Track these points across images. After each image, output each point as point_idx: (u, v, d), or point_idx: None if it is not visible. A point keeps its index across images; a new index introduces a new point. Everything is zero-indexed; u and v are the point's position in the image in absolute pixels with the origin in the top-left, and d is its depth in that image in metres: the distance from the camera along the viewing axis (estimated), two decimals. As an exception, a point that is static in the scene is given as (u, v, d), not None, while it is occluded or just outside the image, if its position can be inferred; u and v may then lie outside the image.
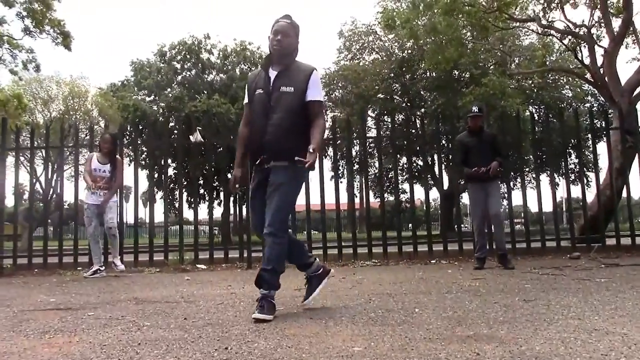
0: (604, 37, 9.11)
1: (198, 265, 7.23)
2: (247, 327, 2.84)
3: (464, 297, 3.74)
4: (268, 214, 3.18)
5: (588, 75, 8.60)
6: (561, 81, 24.19)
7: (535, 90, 23.44)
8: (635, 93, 8.16)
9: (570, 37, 9.00)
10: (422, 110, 25.60)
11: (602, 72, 8.27)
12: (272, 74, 3.32)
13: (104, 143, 6.52)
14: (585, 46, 8.49)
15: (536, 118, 24.70)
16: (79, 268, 7.20)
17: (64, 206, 8.76)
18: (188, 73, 26.12)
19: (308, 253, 3.64)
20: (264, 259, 3.28)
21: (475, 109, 6.25)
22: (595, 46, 8.66)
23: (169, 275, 6.48)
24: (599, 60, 8.31)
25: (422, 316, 3.02)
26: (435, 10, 10.27)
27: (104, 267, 6.41)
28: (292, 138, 3.19)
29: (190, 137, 7.75)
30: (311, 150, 3.09)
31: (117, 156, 6.76)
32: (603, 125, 7.66)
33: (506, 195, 8.54)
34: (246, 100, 3.47)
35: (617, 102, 8.06)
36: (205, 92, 24.87)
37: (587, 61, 8.60)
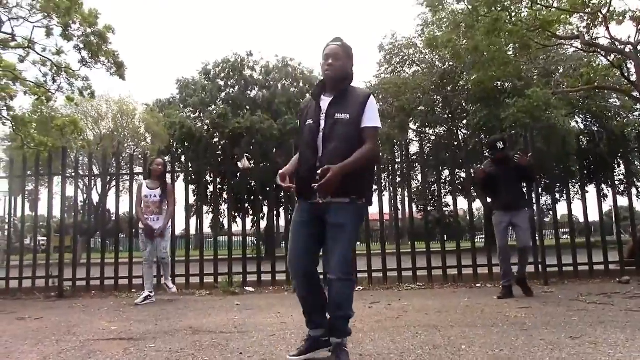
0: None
1: (246, 288, 7.45)
2: (300, 365, 2.99)
3: (510, 331, 3.79)
4: (333, 258, 3.00)
5: (635, 93, 8.47)
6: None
7: (581, 100, 22.93)
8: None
9: (615, 53, 8.88)
10: (465, 122, 25.47)
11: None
12: (325, 101, 3.15)
13: (156, 166, 6.76)
14: (631, 63, 8.36)
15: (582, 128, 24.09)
16: (133, 290, 7.53)
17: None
18: (231, 90, 26.73)
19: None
20: (329, 306, 3.07)
21: (499, 145, 6.07)
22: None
23: (219, 299, 6.71)
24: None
25: (469, 354, 3.11)
26: (477, 30, 10.28)
27: (153, 293, 6.58)
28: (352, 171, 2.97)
29: (239, 164, 7.98)
30: (331, 171, 2.83)
31: (168, 181, 6.97)
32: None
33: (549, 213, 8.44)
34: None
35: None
36: (248, 108, 25.38)
37: (633, 78, 8.46)
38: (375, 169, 3.22)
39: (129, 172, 8.06)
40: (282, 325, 4.43)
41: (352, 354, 3.23)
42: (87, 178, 19.82)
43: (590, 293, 5.89)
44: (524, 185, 6.41)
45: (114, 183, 11.55)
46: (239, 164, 7.84)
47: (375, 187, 3.23)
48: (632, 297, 5.43)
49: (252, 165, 8.00)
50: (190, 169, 10.07)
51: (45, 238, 9.15)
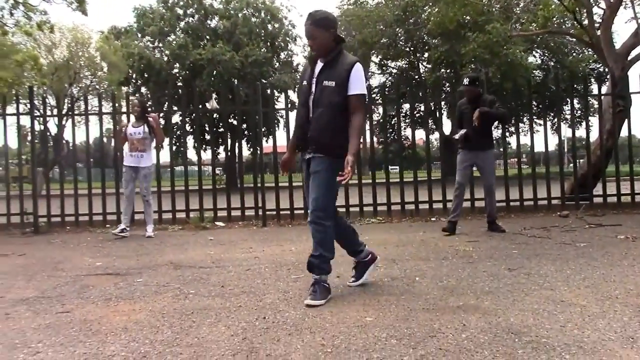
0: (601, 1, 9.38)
1: (217, 223, 7.85)
2: (276, 297, 3.43)
3: (458, 264, 4.33)
4: (310, 201, 3.37)
5: (586, 37, 8.91)
6: (566, 25, 24.16)
7: (539, 36, 23.38)
8: (630, 58, 8.51)
9: (569, -1, 9.24)
10: (426, 55, 25.72)
11: (599, 34, 8.58)
12: (319, 66, 3.38)
13: (133, 106, 6.98)
14: (585, 10, 8.76)
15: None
16: (107, 225, 7.84)
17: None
18: (191, 19, 26.07)
19: (359, 240, 3.72)
20: (313, 243, 3.40)
21: (465, 80, 6.21)
22: (594, 9, 8.98)
23: (192, 234, 7.11)
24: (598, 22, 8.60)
25: (422, 285, 3.61)
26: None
27: (129, 228, 6.92)
28: (333, 134, 3.29)
29: (207, 104, 8.18)
30: (348, 161, 3.19)
31: (150, 116, 7.03)
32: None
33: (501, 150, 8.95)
34: None
35: (610, 68, 8.43)
36: (209, 39, 24.91)
37: (585, 23, 8.88)
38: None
39: (98, 112, 8.13)
40: (256, 260, 4.86)
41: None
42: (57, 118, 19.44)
43: (533, 227, 6.54)
44: (495, 125, 6.33)
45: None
46: (207, 104, 8.03)
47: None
48: (568, 231, 6.09)
49: (218, 105, 8.20)
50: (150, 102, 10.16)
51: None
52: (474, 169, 6.52)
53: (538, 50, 26.13)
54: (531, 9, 19.26)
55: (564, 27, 19.10)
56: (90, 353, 2.45)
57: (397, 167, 9.26)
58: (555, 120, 18.53)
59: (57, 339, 2.69)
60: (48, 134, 13.73)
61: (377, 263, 3.84)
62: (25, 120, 8.38)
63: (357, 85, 3.28)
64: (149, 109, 7.46)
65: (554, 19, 12.81)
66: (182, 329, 2.78)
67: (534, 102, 14.79)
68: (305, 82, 3.44)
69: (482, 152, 6.15)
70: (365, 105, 3.41)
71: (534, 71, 23.86)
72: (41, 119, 8.49)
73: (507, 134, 21.80)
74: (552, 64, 26.40)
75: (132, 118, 7.11)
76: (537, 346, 2.33)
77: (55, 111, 25.89)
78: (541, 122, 11.12)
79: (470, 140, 6.11)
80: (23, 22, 10.17)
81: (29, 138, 9.77)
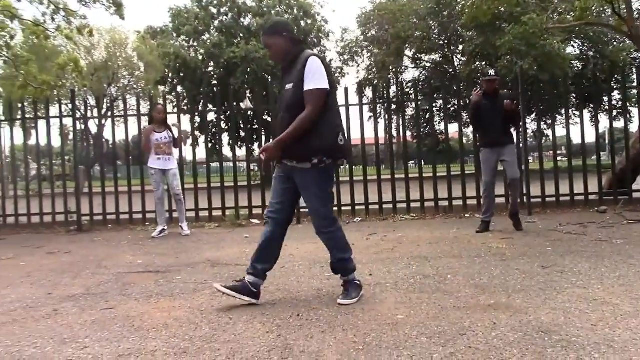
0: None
1: (252, 221, 8.00)
2: (310, 294, 3.53)
3: (491, 261, 4.34)
4: (311, 216, 3.39)
5: (625, 28, 8.68)
6: (606, 14, 23.51)
7: (578, 26, 22.81)
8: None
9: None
10: (460, 48, 25.41)
11: (638, 25, 8.36)
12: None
13: (158, 113, 7.21)
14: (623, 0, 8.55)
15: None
16: (147, 223, 8.09)
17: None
18: (224, 18, 26.34)
19: (273, 264, 3.48)
20: (330, 252, 3.40)
21: (491, 72, 6.36)
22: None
23: (228, 232, 7.28)
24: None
25: (454, 283, 3.65)
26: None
27: (167, 227, 7.17)
28: (303, 137, 3.15)
29: (241, 104, 8.35)
30: (268, 146, 3.22)
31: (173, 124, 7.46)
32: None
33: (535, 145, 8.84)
34: None
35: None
36: (242, 37, 25.15)
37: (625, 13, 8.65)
38: (340, 125, 3.28)
39: (136, 113, 8.41)
40: (290, 258, 4.96)
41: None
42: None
43: (569, 223, 6.46)
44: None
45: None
46: (242, 104, 8.21)
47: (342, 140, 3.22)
48: (605, 227, 6.00)
49: (253, 105, 8.36)
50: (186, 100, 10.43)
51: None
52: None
53: (577, 41, 25.49)
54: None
55: (603, 15, 18.61)
56: (134, 348, 2.59)
57: (421, 162, 9.19)
58: (593, 112, 18.15)
59: (103, 334, 2.84)
60: (89, 133, 14.18)
61: (257, 302, 3.33)
62: (67, 121, 8.70)
63: (310, 79, 3.13)
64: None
65: (593, 7, 12.48)
66: (219, 326, 2.90)
67: (572, 95, 14.52)
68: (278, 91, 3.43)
69: (504, 148, 6.05)
70: (320, 99, 3.14)
71: (573, 62, 23.31)
72: (83, 120, 8.80)
73: (545, 126, 21.56)
74: (591, 54, 25.74)
75: (153, 125, 7.23)
76: (566, 345, 2.35)
77: (95, 111, 26.75)
78: (578, 113, 10.87)
79: (490, 136, 6.10)
80: (63, 27, 10.50)
81: (70, 137, 10.13)
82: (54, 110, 12.65)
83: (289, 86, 3.23)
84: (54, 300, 3.66)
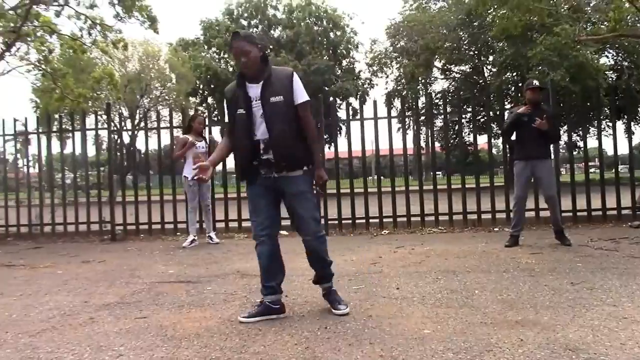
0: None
1: (281, 232, 8.06)
2: (338, 307, 3.57)
3: (519, 277, 4.32)
4: (304, 222, 3.39)
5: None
6: (640, 24, 23.10)
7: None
8: None
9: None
10: (491, 59, 25.23)
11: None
12: (253, 88, 3.31)
13: (199, 124, 7.35)
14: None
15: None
16: (178, 233, 8.25)
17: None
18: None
19: (282, 278, 3.62)
20: (312, 261, 3.60)
21: (535, 82, 6.09)
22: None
23: (257, 242, 7.36)
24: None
25: (481, 298, 3.65)
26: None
27: (197, 237, 7.32)
28: (301, 147, 3.36)
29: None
30: (322, 177, 3.48)
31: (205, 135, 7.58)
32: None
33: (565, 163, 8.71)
34: (227, 117, 3.50)
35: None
36: (272, 48, 25.49)
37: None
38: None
39: (169, 125, 8.62)
40: (318, 270, 5.00)
41: (381, 297, 3.81)
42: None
43: (600, 238, 6.35)
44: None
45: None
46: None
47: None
48: (638, 243, 5.89)
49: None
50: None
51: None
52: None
53: (610, 51, 25.07)
54: (602, 8, 18.57)
55: (638, 25, 18.27)
56: (167, 357, 2.68)
57: (450, 174, 9.09)
58: (627, 123, 17.79)
59: (137, 342, 2.94)
60: (123, 144, 14.53)
61: (285, 315, 3.44)
62: (102, 132, 8.97)
63: (301, 93, 3.35)
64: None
65: (628, 17, 12.29)
66: (249, 337, 2.97)
67: (605, 107, 14.27)
68: (242, 110, 3.31)
69: (540, 162, 5.95)
70: (311, 109, 3.48)
71: (606, 73, 22.91)
72: (117, 132, 9.07)
73: (578, 137, 21.18)
74: (626, 64, 25.28)
75: (189, 135, 7.34)
76: (594, 364, 2.35)
77: (128, 122, 27.37)
78: (611, 124, 10.74)
79: (526, 148, 5.97)
80: (99, 40, 10.84)
81: (104, 147, 10.40)
82: (89, 122, 12.99)
83: (277, 99, 3.27)
84: (90, 309, 3.79)
